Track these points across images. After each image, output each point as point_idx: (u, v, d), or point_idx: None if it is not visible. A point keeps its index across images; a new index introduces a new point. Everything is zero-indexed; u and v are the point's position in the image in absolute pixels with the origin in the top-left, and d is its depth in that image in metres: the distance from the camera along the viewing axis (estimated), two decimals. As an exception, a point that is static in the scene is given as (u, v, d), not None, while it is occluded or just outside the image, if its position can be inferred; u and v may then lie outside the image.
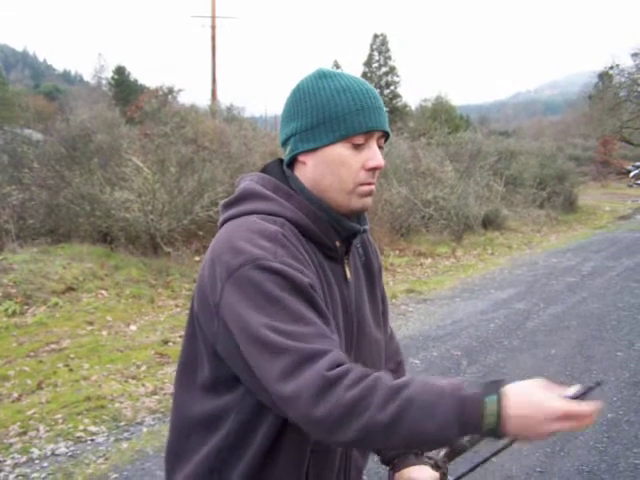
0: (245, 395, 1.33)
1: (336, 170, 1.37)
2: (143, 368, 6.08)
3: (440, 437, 1.15)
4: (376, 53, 55.18)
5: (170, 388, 5.42)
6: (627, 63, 36.71)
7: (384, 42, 55.27)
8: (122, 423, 4.91)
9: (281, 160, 1.48)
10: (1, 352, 6.46)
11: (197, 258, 9.95)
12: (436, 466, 1.54)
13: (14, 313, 7.48)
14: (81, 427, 4.83)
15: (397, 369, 1.73)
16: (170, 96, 17.40)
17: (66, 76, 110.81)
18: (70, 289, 8.39)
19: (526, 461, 4.17)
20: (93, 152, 11.19)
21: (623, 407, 5.05)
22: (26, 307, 7.71)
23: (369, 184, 1.40)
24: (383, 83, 54.00)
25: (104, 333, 7.14)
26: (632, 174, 34.90)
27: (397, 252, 12.43)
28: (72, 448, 4.53)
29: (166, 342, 6.81)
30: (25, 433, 4.73)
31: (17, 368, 6.05)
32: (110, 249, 10.11)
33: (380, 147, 1.41)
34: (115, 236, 10.28)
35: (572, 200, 21.38)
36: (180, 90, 17.88)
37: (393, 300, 8.94)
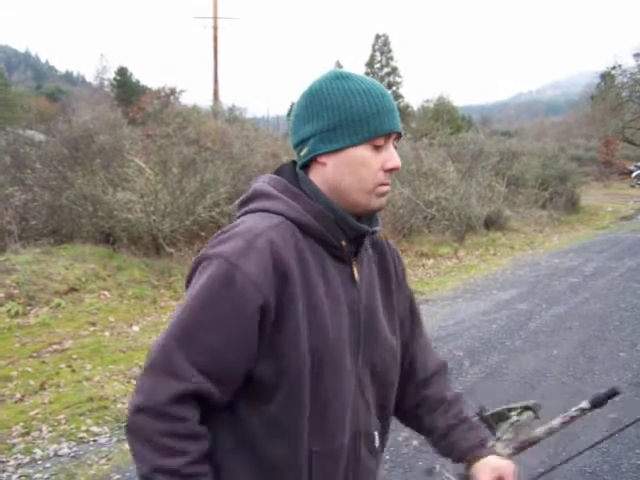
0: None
1: (357, 171, 1.39)
2: (145, 369, 6.07)
3: None
4: (378, 54, 55.18)
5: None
6: (629, 63, 36.51)
7: (386, 42, 55.27)
8: (124, 424, 4.91)
9: (294, 162, 1.50)
10: (4, 353, 6.46)
11: (199, 259, 9.94)
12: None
13: (17, 314, 7.49)
14: (84, 428, 4.84)
15: (438, 372, 1.73)
16: (172, 97, 17.44)
17: (68, 77, 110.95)
18: (73, 290, 8.40)
19: (528, 462, 4.17)
20: (95, 153, 11.20)
21: (625, 408, 5.04)
22: (29, 308, 7.72)
23: (387, 184, 1.43)
24: (385, 84, 53.95)
25: (107, 334, 7.15)
26: (634, 174, 34.84)
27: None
28: (75, 449, 4.54)
29: (168, 343, 6.81)
30: (28, 434, 4.74)
31: (20, 369, 6.06)
32: (112, 250, 10.12)
33: (395, 147, 1.45)
34: (117, 237, 10.29)
35: (574, 200, 21.36)
36: (182, 91, 17.95)
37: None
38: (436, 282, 10.37)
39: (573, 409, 1.63)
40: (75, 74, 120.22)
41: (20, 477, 4.16)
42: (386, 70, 54.69)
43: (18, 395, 5.46)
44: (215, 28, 27.92)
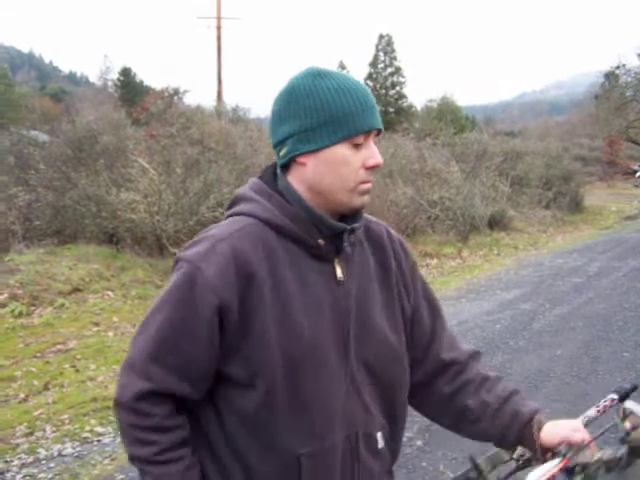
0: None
1: (338, 170, 1.37)
2: (149, 369, 6.08)
3: None
4: (382, 54, 55.12)
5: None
6: (633, 63, 36.42)
7: (389, 43, 55.21)
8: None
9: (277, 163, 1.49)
10: (8, 353, 6.48)
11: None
12: None
13: (21, 314, 7.51)
14: (87, 428, 4.85)
15: (474, 357, 1.69)
16: (176, 97, 17.43)
17: (72, 77, 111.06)
18: (76, 290, 8.41)
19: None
20: (99, 153, 11.22)
21: None
22: (32, 308, 7.73)
23: (368, 182, 1.42)
24: (389, 84, 53.97)
25: (110, 334, 7.16)
26: (638, 174, 34.76)
27: (403, 253, 12.40)
28: (78, 449, 4.55)
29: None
30: (32, 434, 4.75)
31: (24, 369, 6.07)
32: (116, 250, 10.13)
33: (375, 144, 1.43)
34: (121, 237, 10.30)
35: (578, 200, 21.32)
36: (186, 91, 17.93)
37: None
38: (440, 282, 10.36)
39: (603, 400, 1.60)
40: (79, 74, 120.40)
41: (24, 477, 4.17)
42: (390, 70, 54.62)
43: (22, 395, 5.48)
44: (218, 28, 27.92)
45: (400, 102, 53.32)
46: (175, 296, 1.35)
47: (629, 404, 1.50)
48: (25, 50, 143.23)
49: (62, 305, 7.90)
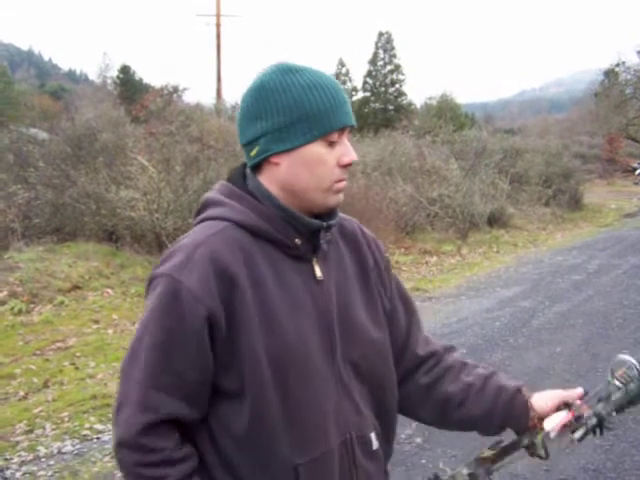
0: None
1: (313, 169, 1.34)
2: (149, 366, 6.08)
3: None
4: (381, 51, 55.08)
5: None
6: (633, 60, 36.36)
7: (389, 40, 55.16)
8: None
9: (246, 164, 1.44)
10: (7, 350, 6.48)
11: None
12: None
13: (20, 311, 7.51)
14: (87, 425, 4.85)
15: (449, 349, 1.67)
16: (175, 95, 17.44)
17: (71, 75, 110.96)
18: (76, 287, 8.42)
19: (531, 459, 4.16)
20: (98, 151, 11.22)
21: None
22: (32, 305, 7.73)
23: (343, 180, 1.38)
24: (388, 81, 53.92)
25: (110, 331, 7.16)
26: (638, 172, 34.76)
27: (402, 250, 12.43)
28: (78, 446, 4.55)
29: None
30: (32, 431, 4.76)
31: (23, 366, 6.07)
32: (116, 248, 10.14)
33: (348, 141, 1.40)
34: (121, 235, 10.30)
35: (578, 198, 21.33)
36: (185, 89, 17.95)
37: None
38: (439, 280, 10.37)
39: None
40: (78, 72, 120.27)
41: (24, 474, 4.17)
42: (389, 68, 54.58)
43: (22, 393, 5.48)
44: (218, 26, 27.89)
45: (400, 100, 53.29)
46: (159, 315, 1.28)
47: (617, 358, 1.51)
48: (24, 48, 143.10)
49: (62, 303, 7.90)
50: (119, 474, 4.10)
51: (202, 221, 1.39)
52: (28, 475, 4.17)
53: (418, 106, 49.88)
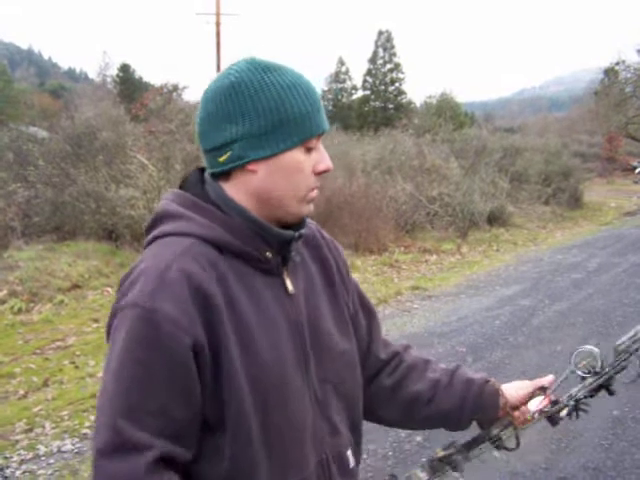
0: None
1: (293, 177, 1.23)
2: (148, 365, 6.08)
3: None
4: (381, 50, 55.10)
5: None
6: (633, 59, 36.37)
7: (389, 39, 55.19)
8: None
9: (202, 170, 1.33)
10: (7, 349, 6.48)
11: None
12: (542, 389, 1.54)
13: (20, 310, 7.51)
14: (87, 424, 4.85)
15: (407, 348, 1.63)
16: (175, 93, 17.41)
17: (71, 74, 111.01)
18: (76, 286, 8.42)
19: (531, 458, 4.17)
20: (98, 150, 11.22)
21: (629, 404, 5.04)
22: (32, 304, 7.73)
23: (317, 188, 1.29)
24: (388, 80, 53.95)
25: (110, 330, 7.15)
26: (637, 170, 34.77)
27: (402, 249, 12.43)
28: (78, 445, 4.55)
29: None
30: (31, 430, 4.76)
31: (23, 365, 6.07)
32: (115, 246, 10.14)
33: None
34: (120, 233, 10.30)
35: (577, 196, 21.33)
36: (185, 87, 17.91)
37: (398, 297, 8.95)
38: (439, 278, 10.36)
39: None
40: (78, 71, 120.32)
41: (24, 473, 4.17)
42: (389, 66, 54.61)
43: (21, 392, 5.48)
44: (217, 24, 27.85)
45: (399, 98, 53.34)
46: (134, 349, 1.11)
47: (581, 349, 1.57)
48: (24, 46, 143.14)
49: (61, 301, 7.90)
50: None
51: (158, 237, 1.23)
52: (28, 474, 4.16)
53: (418, 105, 49.91)
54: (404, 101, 53.00)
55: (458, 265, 11.64)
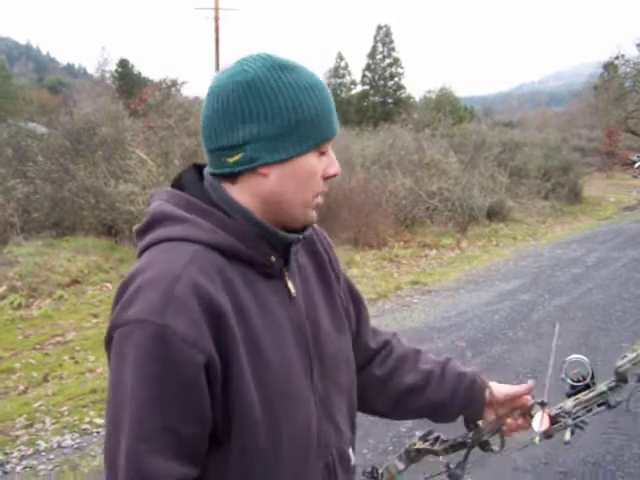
0: None
1: (305, 182, 1.19)
2: (148, 360, 6.09)
3: None
4: (380, 44, 55.03)
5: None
6: (632, 53, 36.24)
7: (388, 33, 55.12)
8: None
9: (197, 168, 1.28)
10: (7, 345, 6.48)
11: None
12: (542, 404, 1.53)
13: (20, 306, 7.52)
14: (87, 419, 4.85)
15: (395, 335, 1.63)
16: (174, 88, 17.35)
17: (70, 69, 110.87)
18: (75, 282, 8.42)
19: (532, 452, 4.17)
20: (97, 145, 11.22)
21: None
22: (31, 300, 7.74)
23: (323, 193, 1.25)
24: (387, 75, 53.88)
25: (109, 326, 7.16)
26: (637, 165, 34.78)
27: (402, 243, 12.43)
28: (78, 440, 4.55)
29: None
30: (31, 425, 4.76)
31: (23, 361, 6.08)
32: (115, 242, 10.14)
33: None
34: (120, 229, 10.30)
35: (577, 191, 21.32)
36: (184, 82, 17.82)
37: (398, 292, 8.95)
38: (439, 273, 10.36)
39: None
40: (77, 66, 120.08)
41: (24, 469, 4.18)
42: (388, 61, 54.55)
43: (21, 387, 5.48)
44: (216, 19, 27.85)
45: (398, 93, 53.29)
46: (147, 373, 1.05)
47: (571, 358, 1.61)
48: (23, 42, 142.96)
49: (61, 297, 7.90)
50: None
51: (157, 242, 1.16)
52: (28, 469, 4.17)
53: (417, 99, 49.93)
54: (403, 96, 52.97)
55: (457, 260, 11.64)
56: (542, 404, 1.50)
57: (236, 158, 1.16)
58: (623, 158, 37.25)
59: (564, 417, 1.49)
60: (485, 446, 1.54)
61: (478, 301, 8.44)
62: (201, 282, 1.10)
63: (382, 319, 7.38)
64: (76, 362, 6.08)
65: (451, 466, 1.52)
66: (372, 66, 54.46)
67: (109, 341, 1.13)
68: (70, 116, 12.14)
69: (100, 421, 4.83)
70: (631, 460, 4.13)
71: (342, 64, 56.75)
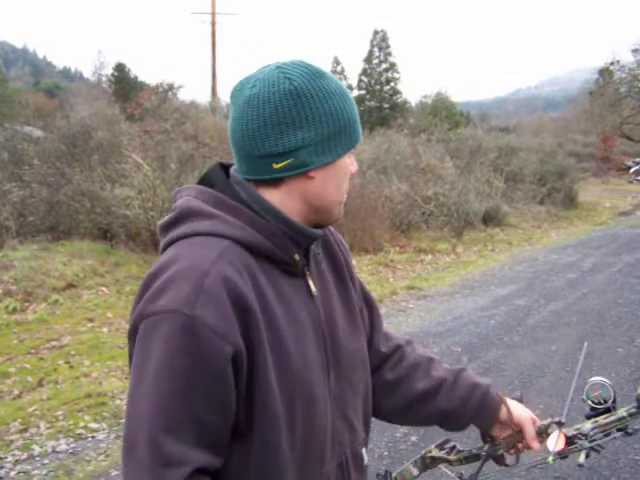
0: None
1: (342, 181, 1.28)
2: (144, 365, 6.07)
3: None
4: (376, 49, 55.08)
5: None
6: (628, 59, 36.53)
7: (384, 38, 55.18)
8: (123, 420, 4.91)
9: (223, 166, 1.33)
10: (2, 349, 6.46)
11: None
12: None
13: (15, 310, 7.49)
14: (82, 424, 4.84)
15: (409, 342, 1.64)
16: (170, 93, 17.42)
17: (66, 73, 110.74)
18: (70, 286, 8.40)
19: (525, 457, 4.17)
20: (93, 149, 11.21)
21: (623, 403, 5.05)
22: (27, 304, 7.72)
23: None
24: (383, 79, 53.92)
25: (104, 330, 7.15)
26: (632, 170, 34.85)
27: (397, 248, 12.43)
28: (73, 445, 4.54)
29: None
30: (26, 430, 4.75)
31: (18, 365, 6.06)
32: (110, 246, 10.13)
33: None
34: (115, 233, 10.29)
35: (572, 196, 21.36)
36: (180, 87, 17.94)
37: (393, 297, 8.95)
38: (434, 278, 10.37)
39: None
40: (73, 70, 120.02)
41: (18, 474, 4.16)
42: (384, 66, 54.59)
43: (16, 391, 5.46)
44: (213, 24, 27.86)
45: (395, 98, 53.31)
46: (177, 362, 1.08)
47: (593, 380, 1.57)
48: (19, 45, 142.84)
49: (56, 301, 7.88)
50: (114, 473, 4.11)
51: (186, 236, 1.20)
52: (22, 474, 4.15)
53: (413, 104, 49.96)
54: (399, 101, 52.99)
55: (453, 265, 11.65)
56: (559, 424, 1.49)
57: (284, 163, 1.21)
58: (618, 163, 37.33)
59: (581, 439, 1.48)
60: (499, 460, 1.56)
61: (474, 306, 8.44)
62: (230, 276, 1.13)
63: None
64: (71, 367, 6.06)
65: (464, 477, 1.52)
66: (368, 71, 54.50)
67: (134, 333, 1.15)
68: (66, 120, 12.13)
69: (95, 426, 4.82)
70: (627, 466, 4.13)
71: (338, 68, 56.77)
